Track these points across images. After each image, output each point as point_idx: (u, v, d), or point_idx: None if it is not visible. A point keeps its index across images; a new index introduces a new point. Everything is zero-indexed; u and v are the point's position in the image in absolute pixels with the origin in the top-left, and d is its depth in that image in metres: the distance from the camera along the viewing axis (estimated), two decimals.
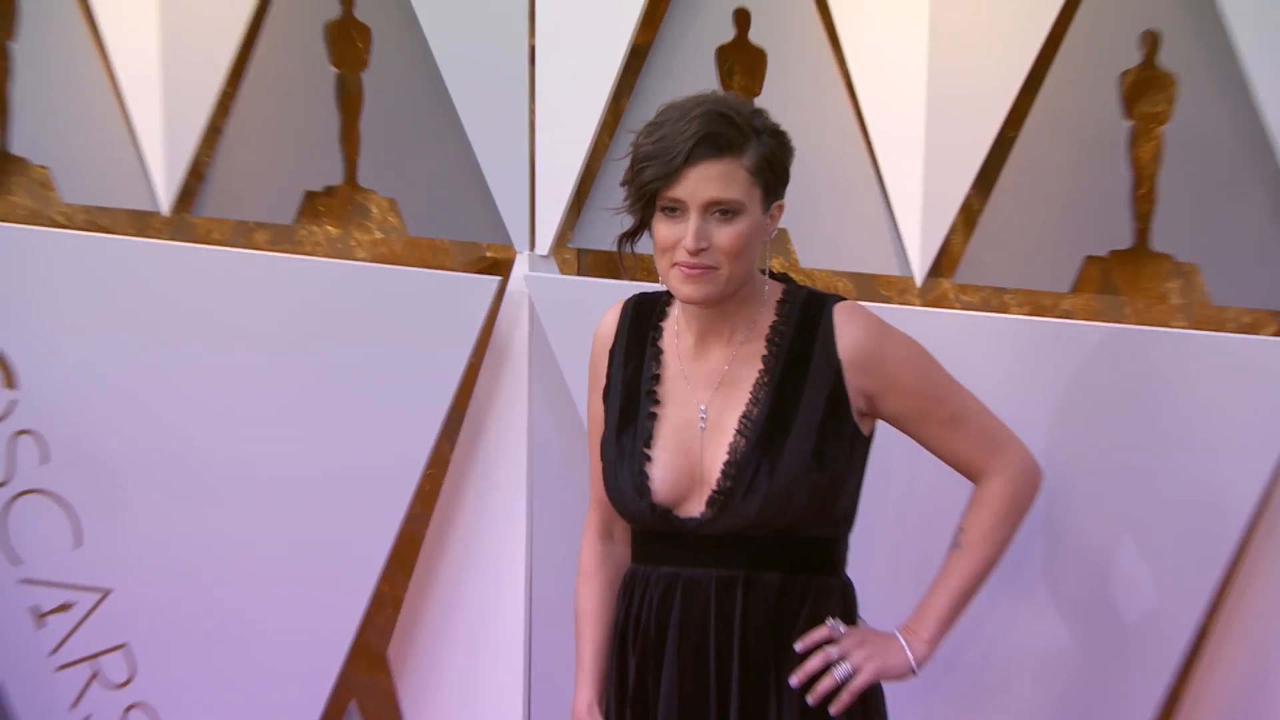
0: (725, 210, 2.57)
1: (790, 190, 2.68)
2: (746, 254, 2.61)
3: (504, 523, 3.64)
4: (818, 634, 2.69)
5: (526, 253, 3.53)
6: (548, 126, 3.46)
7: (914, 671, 2.70)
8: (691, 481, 2.69)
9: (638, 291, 2.82)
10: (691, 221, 2.57)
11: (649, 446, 2.71)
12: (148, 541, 3.87)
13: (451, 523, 3.73)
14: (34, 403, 3.89)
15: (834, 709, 2.67)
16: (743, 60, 3.39)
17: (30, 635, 3.99)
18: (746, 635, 2.69)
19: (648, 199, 2.60)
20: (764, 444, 2.64)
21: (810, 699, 2.66)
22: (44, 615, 3.98)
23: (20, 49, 3.88)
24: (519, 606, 3.64)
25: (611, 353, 2.81)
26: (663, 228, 2.60)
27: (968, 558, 2.73)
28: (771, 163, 2.60)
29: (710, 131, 2.55)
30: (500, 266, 3.62)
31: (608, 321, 2.83)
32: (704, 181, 2.56)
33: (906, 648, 2.70)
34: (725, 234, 2.58)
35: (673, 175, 2.56)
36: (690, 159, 2.55)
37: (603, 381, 2.81)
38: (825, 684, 2.66)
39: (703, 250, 2.57)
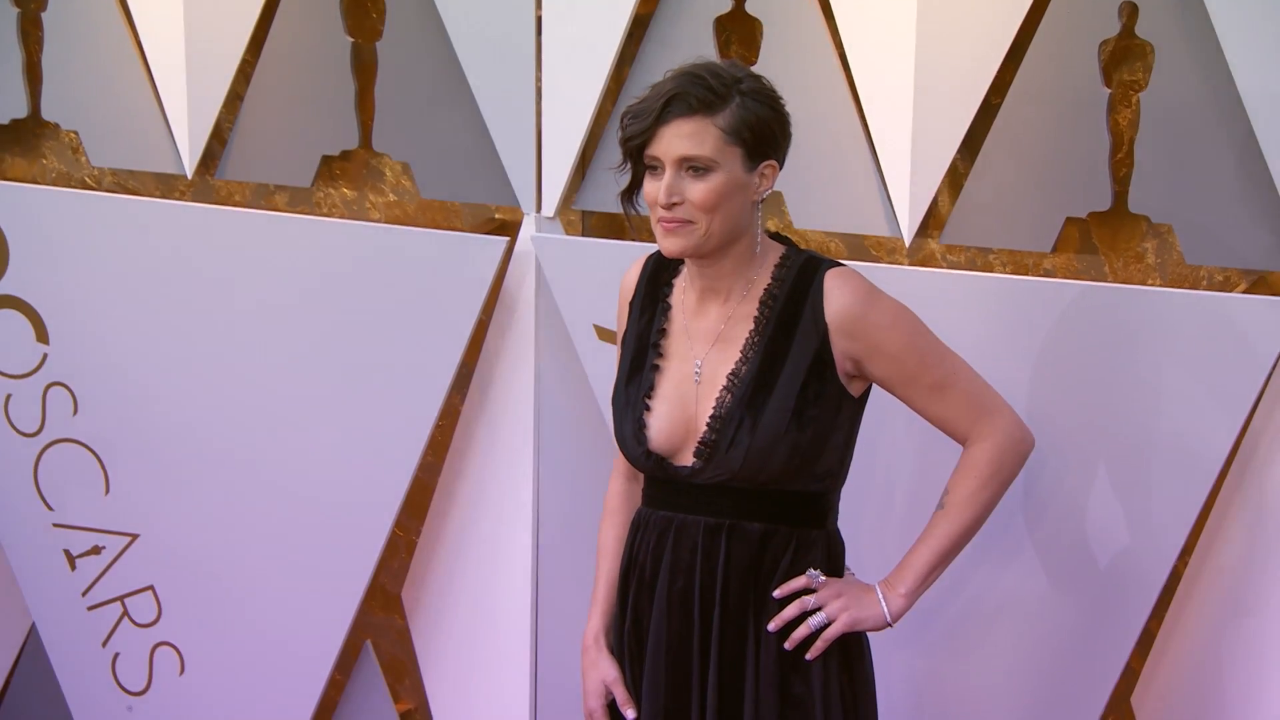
0: (696, 167, 2.59)
1: None
2: (722, 210, 2.62)
3: (511, 470, 3.64)
4: (796, 583, 2.69)
5: (533, 214, 3.52)
6: (554, 94, 3.45)
7: (889, 624, 2.72)
8: (686, 432, 2.70)
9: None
10: (665, 177, 2.60)
11: (649, 397, 2.73)
12: (172, 489, 3.88)
13: (462, 471, 3.73)
14: (64, 356, 3.89)
15: (809, 656, 2.68)
16: (740, 30, 3.37)
17: (63, 577, 4.00)
18: (729, 580, 2.70)
19: (634, 156, 2.64)
20: (748, 401, 2.65)
21: (787, 645, 2.68)
22: (76, 558, 3.98)
23: (51, 19, 3.86)
24: (526, 550, 3.65)
25: (631, 305, 2.83)
26: (647, 184, 2.64)
27: (950, 519, 2.72)
28: (752, 125, 2.60)
29: (681, 92, 2.57)
30: (508, 227, 3.60)
31: (630, 275, 2.86)
32: (676, 139, 2.58)
33: (884, 601, 2.71)
34: (697, 189, 2.59)
35: (647, 132, 2.59)
36: (661, 118, 2.58)
37: (623, 331, 2.84)
38: (800, 631, 2.68)
39: (676, 205, 2.60)
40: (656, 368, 2.75)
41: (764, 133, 2.62)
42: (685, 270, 2.78)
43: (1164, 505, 3.09)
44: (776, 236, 2.76)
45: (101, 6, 3.82)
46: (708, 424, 2.67)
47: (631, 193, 2.70)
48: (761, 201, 2.69)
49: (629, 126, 2.62)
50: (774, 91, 2.64)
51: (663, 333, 2.77)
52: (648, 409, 2.73)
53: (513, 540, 3.66)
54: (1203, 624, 3.19)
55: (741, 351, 2.68)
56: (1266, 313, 2.96)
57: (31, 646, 4.19)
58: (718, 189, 2.60)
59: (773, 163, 2.66)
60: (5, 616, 4.18)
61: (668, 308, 2.78)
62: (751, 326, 2.69)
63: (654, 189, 2.62)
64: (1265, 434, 3.07)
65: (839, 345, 2.65)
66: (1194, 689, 3.21)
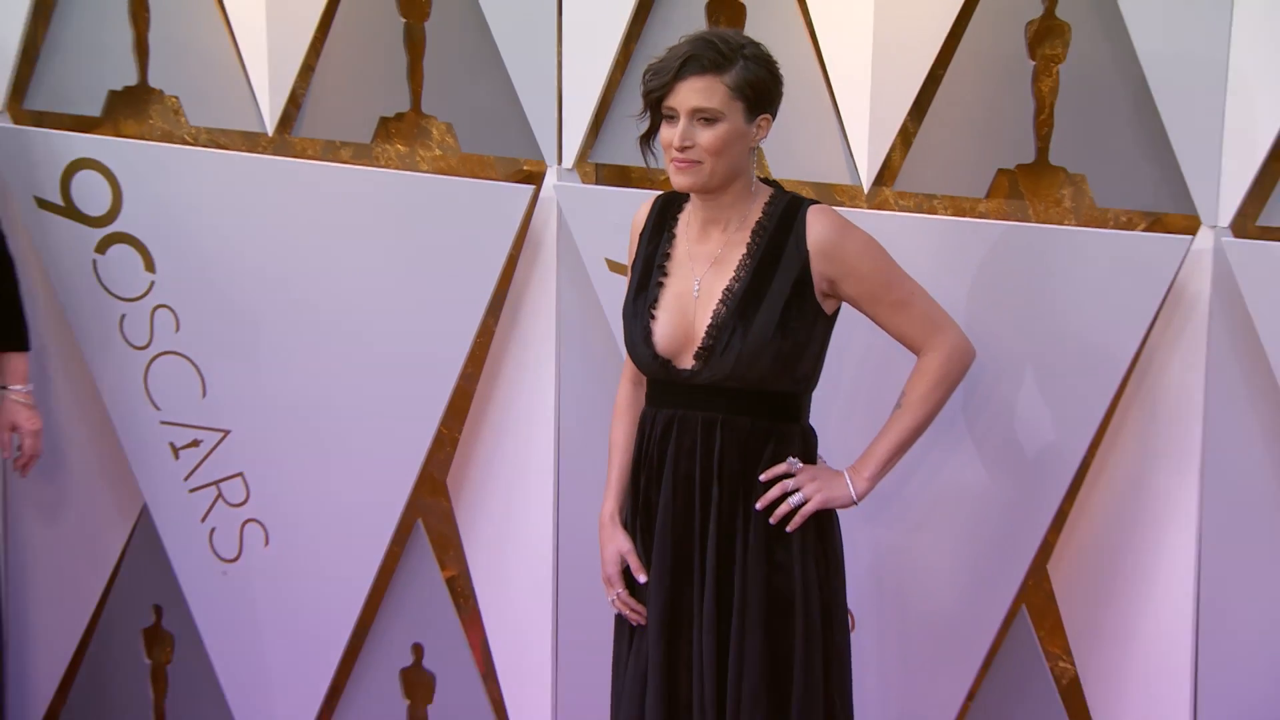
0: (707, 117, 2.66)
1: None
2: (726, 153, 2.68)
3: (536, 380, 3.69)
4: (778, 468, 2.78)
5: (555, 166, 3.55)
6: (572, 65, 3.47)
7: (855, 502, 2.80)
8: (686, 339, 2.78)
9: (670, 191, 2.90)
10: (679, 125, 2.67)
11: (654, 308, 2.81)
12: (258, 393, 3.88)
13: (495, 380, 3.77)
14: (168, 283, 3.91)
15: (789, 528, 2.78)
16: (727, 11, 3.40)
17: (169, 465, 4.03)
18: (724, 466, 2.77)
19: (653, 107, 2.71)
20: (740, 313, 2.72)
21: (771, 520, 2.77)
22: (179, 449, 4.01)
23: (156, 2, 3.86)
24: (549, 444, 3.68)
25: (641, 234, 2.89)
26: (663, 130, 2.72)
27: (906, 415, 2.80)
28: (753, 84, 2.67)
29: (695, 54, 2.64)
30: (534, 177, 3.63)
31: (641, 211, 2.91)
32: (690, 93, 2.65)
33: (850, 484, 2.80)
34: (706, 135, 2.67)
35: (666, 86, 2.66)
36: (679, 74, 2.65)
37: (633, 257, 2.90)
38: (782, 509, 2.77)
39: (688, 148, 2.67)
40: (661, 284, 2.80)
41: (762, 90, 2.70)
42: (689, 205, 2.83)
43: (1077, 406, 3.15)
44: (767, 181, 2.84)
45: None
46: (706, 331, 2.73)
47: (649, 138, 2.76)
48: (756, 148, 2.76)
49: (650, 81, 2.68)
50: (771, 57, 2.72)
51: (667, 256, 2.82)
52: (653, 318, 2.79)
53: (538, 436, 3.70)
54: (1105, 505, 3.25)
55: (735, 271, 2.75)
56: (1162, 248, 3.03)
57: (143, 523, 4.16)
58: (723, 136, 2.67)
59: (768, 116, 2.74)
60: (121, 498, 4.16)
61: (673, 236, 2.83)
62: (745, 251, 2.75)
63: (670, 134, 2.69)
64: (1159, 348, 3.13)
65: (817, 268, 2.73)
66: (1098, 559, 3.27)
